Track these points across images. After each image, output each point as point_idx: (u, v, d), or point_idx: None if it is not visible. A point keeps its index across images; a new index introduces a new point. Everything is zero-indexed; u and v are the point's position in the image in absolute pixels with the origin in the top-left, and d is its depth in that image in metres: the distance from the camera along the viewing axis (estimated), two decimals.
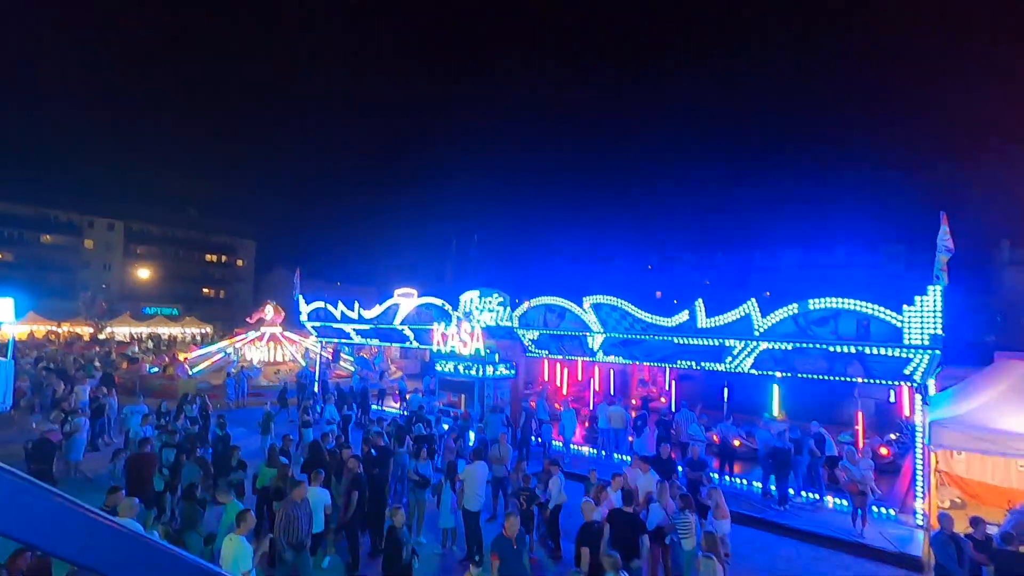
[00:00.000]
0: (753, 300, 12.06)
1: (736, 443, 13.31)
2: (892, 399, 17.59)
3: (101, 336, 40.45)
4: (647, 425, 13.96)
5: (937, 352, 9.94)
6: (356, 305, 21.75)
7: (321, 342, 24.17)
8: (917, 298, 10.03)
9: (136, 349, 33.84)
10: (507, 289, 17.24)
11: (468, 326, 16.43)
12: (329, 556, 8.62)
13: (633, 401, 19.64)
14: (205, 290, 68.94)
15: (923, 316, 9.97)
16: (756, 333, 11.85)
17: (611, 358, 14.96)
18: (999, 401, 9.40)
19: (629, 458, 13.99)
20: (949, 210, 10.48)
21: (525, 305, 16.20)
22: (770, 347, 11.76)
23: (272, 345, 27.37)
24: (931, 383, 10.78)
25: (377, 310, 20.83)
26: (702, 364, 13.22)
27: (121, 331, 43.12)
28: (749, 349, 12.10)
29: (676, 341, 13.15)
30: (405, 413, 15.71)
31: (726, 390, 17.79)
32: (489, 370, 15.83)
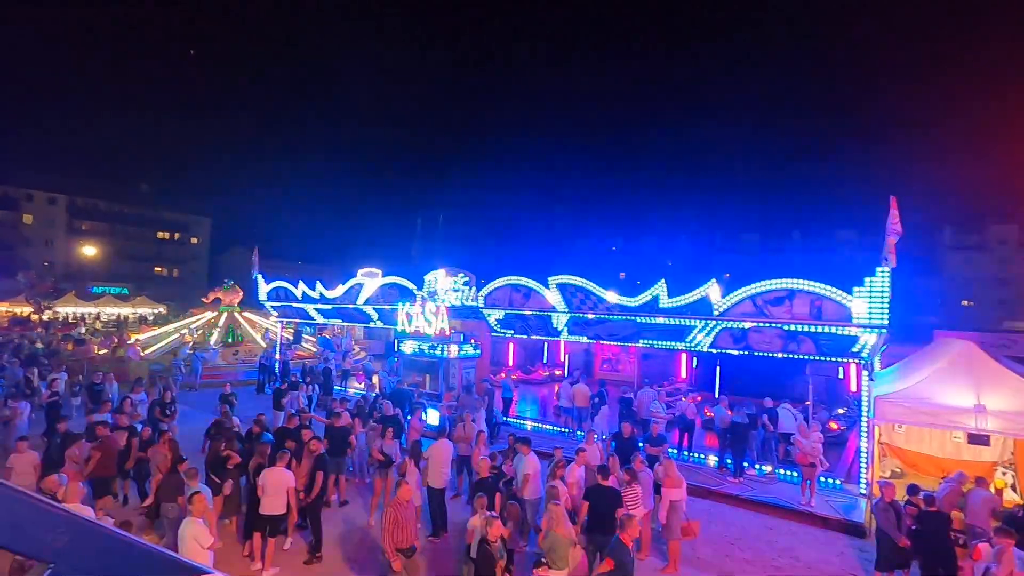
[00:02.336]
0: (713, 281, 12.35)
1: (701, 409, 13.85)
2: (841, 375, 18.46)
3: (44, 317, 38.43)
4: (606, 403, 14.26)
5: (883, 331, 10.44)
6: (318, 285, 21.28)
7: (282, 322, 23.60)
8: (867, 280, 10.46)
9: (83, 330, 32.32)
10: (472, 269, 17.15)
11: (433, 306, 16.30)
12: (291, 539, 8.54)
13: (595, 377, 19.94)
14: (157, 269, 66.19)
15: (871, 297, 10.42)
16: (715, 312, 12.16)
17: (575, 337, 15.14)
18: (938, 377, 9.94)
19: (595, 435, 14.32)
20: (899, 196, 10.91)
21: (490, 285, 16.17)
22: (728, 326, 12.10)
23: (230, 325, 26.54)
24: (877, 360, 11.32)
25: (340, 290, 20.43)
26: (663, 343, 13.54)
27: (66, 311, 41.06)
28: (708, 328, 12.42)
29: (639, 320, 13.38)
30: (374, 394, 15.55)
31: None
32: (454, 350, 15.79)
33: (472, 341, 16.42)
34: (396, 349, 19.06)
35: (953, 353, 10.63)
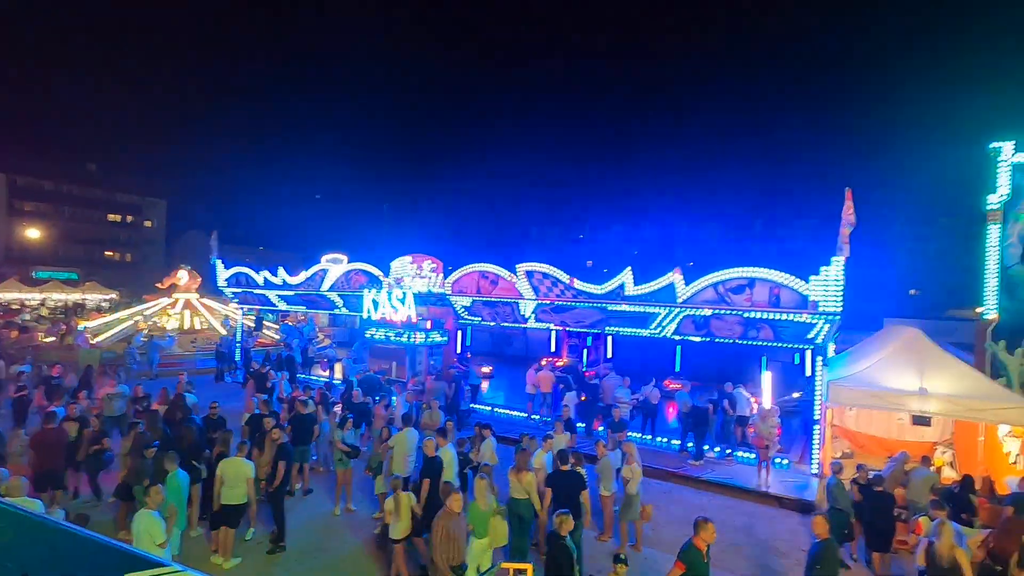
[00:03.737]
0: (677, 269, 12.60)
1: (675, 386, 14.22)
2: (797, 361, 19.15)
3: None
4: (570, 389, 14.48)
5: (837, 318, 10.87)
6: (281, 271, 20.76)
7: (242, 309, 22.96)
8: (822, 269, 10.85)
9: (27, 317, 30.73)
10: (440, 256, 17.03)
11: (400, 292, 16.13)
12: (254, 529, 8.40)
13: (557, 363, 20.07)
14: (109, 253, 63.24)
15: (827, 285, 10.82)
16: (679, 300, 12.42)
17: (542, 324, 15.25)
18: (886, 362, 10.43)
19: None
20: (853, 188, 11.32)
21: (458, 272, 16.09)
22: (691, 313, 12.39)
23: (187, 312, 25.68)
24: (830, 346, 11.80)
25: (303, 276, 19.98)
26: (629, 330, 13.78)
27: (8, 298, 38.92)
28: (672, 315, 12.69)
29: (606, 308, 13.55)
30: (337, 382, 15.35)
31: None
32: (421, 337, 15.69)
33: (442, 329, 16.37)
34: (363, 336, 18.80)
35: (900, 340, 11.15)
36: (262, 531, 8.40)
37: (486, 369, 20.63)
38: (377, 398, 12.78)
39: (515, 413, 15.59)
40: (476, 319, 16.46)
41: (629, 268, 13.27)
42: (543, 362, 17.35)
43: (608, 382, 14.73)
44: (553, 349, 22.20)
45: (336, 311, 19.93)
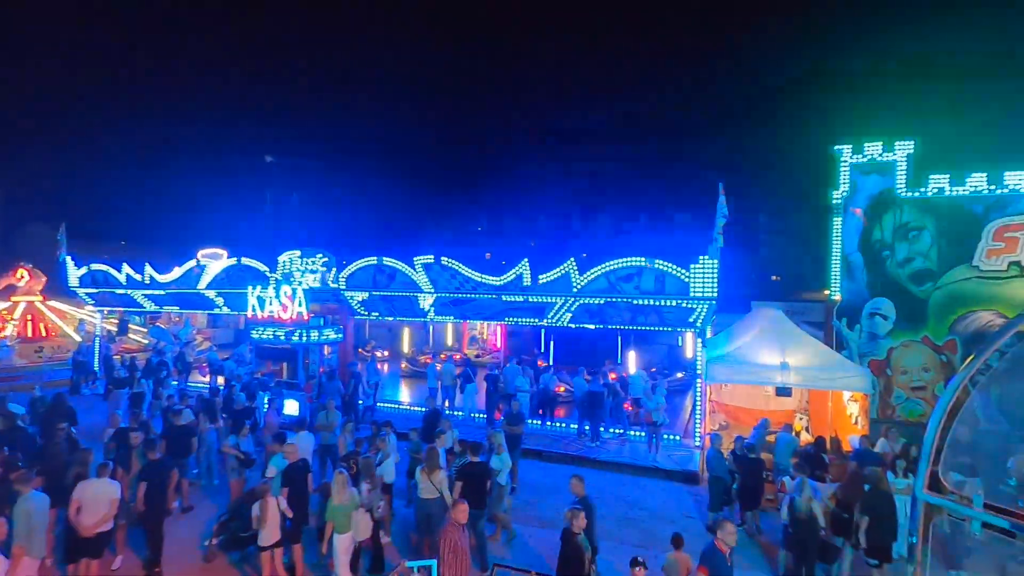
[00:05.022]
0: (572, 260, 13.07)
1: (560, 389, 14.65)
2: (680, 343, 20.71)
3: None
4: (471, 381, 14.56)
5: (714, 303, 11.89)
6: (147, 268, 18.66)
7: (101, 311, 20.34)
8: (700, 258, 11.80)
9: None
10: (332, 249, 16.24)
11: (289, 289, 15.17)
12: (121, 557, 7.51)
13: (456, 356, 20.06)
14: None
15: (704, 272, 11.80)
16: (574, 290, 12.90)
17: (442, 317, 15.12)
18: (754, 341, 11.60)
19: (461, 414, 14.52)
20: (727, 183, 12.42)
21: (352, 266, 15.45)
22: (585, 302, 12.92)
23: (30, 318, 22.27)
24: (709, 329, 12.89)
25: (176, 273, 18.13)
26: (527, 320, 14.10)
27: None
28: (568, 304, 13.16)
29: (504, 299, 13.73)
30: (222, 386, 14.12)
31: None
32: (314, 335, 14.90)
33: (336, 326, 15.63)
34: (248, 336, 17.46)
35: (764, 320, 12.44)
36: (131, 559, 7.54)
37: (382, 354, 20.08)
38: (266, 402, 11.96)
39: (419, 408, 15.33)
40: (373, 314, 15.93)
41: (526, 260, 13.53)
42: (443, 356, 17.23)
43: (508, 372, 14.96)
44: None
45: (216, 311, 18.33)
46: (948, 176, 12.30)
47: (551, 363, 18.31)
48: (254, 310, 15.51)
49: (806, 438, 10.98)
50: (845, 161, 13.06)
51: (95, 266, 19.64)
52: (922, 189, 12.50)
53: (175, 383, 16.95)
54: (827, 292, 13.52)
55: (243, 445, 9.04)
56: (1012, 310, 11.69)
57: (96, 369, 18.71)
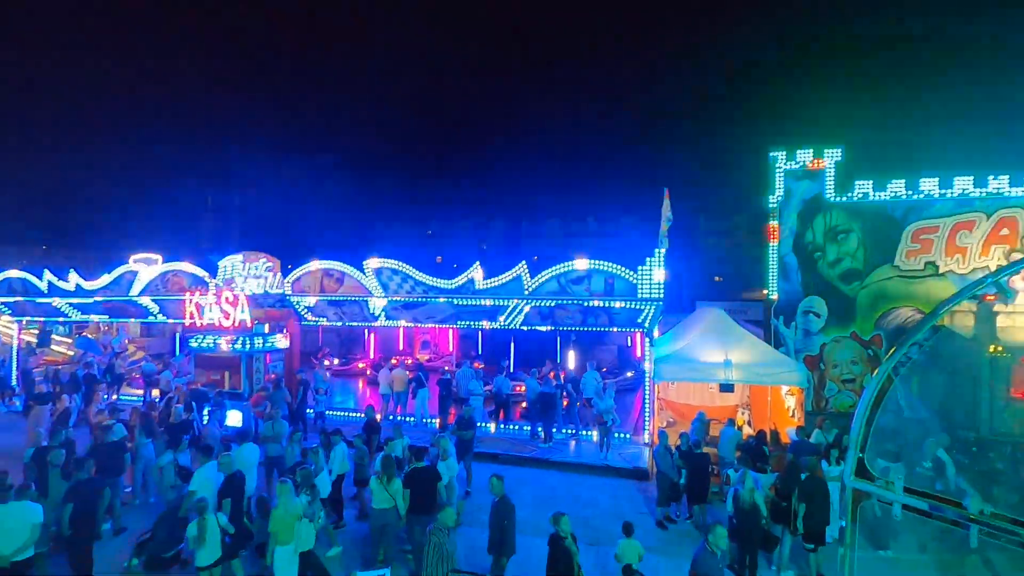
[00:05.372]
0: (523, 263, 13.17)
1: (519, 388, 14.80)
2: (629, 343, 21.22)
3: None
4: (423, 386, 14.40)
5: (660, 303, 12.25)
6: (72, 274, 17.47)
7: (19, 322, 18.87)
8: (647, 259, 12.14)
9: None
10: (278, 253, 15.70)
11: (230, 295, 14.55)
12: None
13: (408, 361, 19.82)
14: None
15: (651, 274, 12.14)
16: (526, 292, 13.00)
17: (393, 322, 14.89)
18: (699, 339, 12.03)
19: (412, 420, 14.33)
20: (671, 187, 12.85)
21: (299, 271, 14.99)
22: (537, 304, 13.04)
23: None
24: (656, 329, 13.26)
25: (105, 279, 17.05)
26: (479, 323, 14.09)
27: None
28: (520, 307, 13.23)
29: (456, 302, 13.67)
30: (155, 399, 13.37)
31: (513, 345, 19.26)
32: (258, 342, 14.35)
33: (282, 332, 15.10)
34: (187, 346, 16.61)
35: (708, 319, 12.93)
36: None
37: (331, 367, 19.56)
38: (205, 414, 11.43)
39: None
40: (321, 319, 15.51)
41: (478, 263, 13.54)
42: (395, 361, 16.98)
43: (461, 375, 14.89)
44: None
45: (151, 319, 17.35)
46: (871, 182, 13.17)
47: (511, 365, 18.36)
48: (192, 318, 14.80)
49: (748, 431, 11.47)
50: (780, 167, 13.75)
51: (11, 273, 18.23)
52: (849, 194, 13.32)
53: (105, 397, 15.94)
54: (765, 292, 14.18)
55: (182, 460, 8.60)
56: (928, 306, 12.63)
57: (14, 384, 17.35)
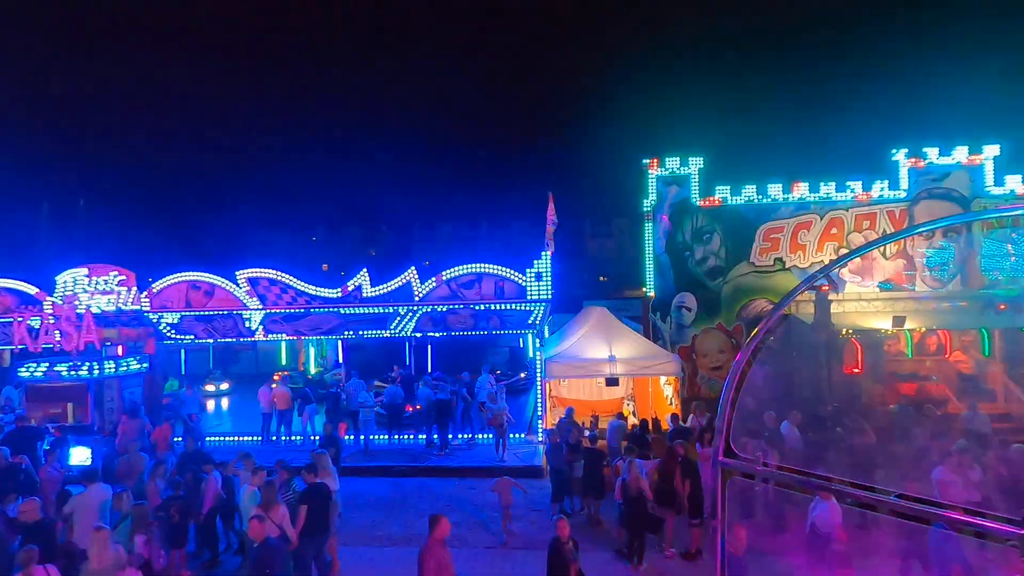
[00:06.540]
0: (413, 268, 12.91)
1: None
2: (522, 344, 21.64)
3: None
4: (311, 402, 13.59)
5: (548, 304, 12.63)
6: None
7: None
8: (535, 262, 12.46)
9: None
10: (133, 266, 13.98)
11: (73, 314, 12.68)
12: None
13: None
14: None
15: (539, 276, 12.47)
16: (416, 298, 12.75)
17: (274, 336, 13.87)
18: (585, 337, 12.55)
19: (299, 439, 13.44)
20: (555, 193, 13.31)
21: (160, 283, 13.45)
22: (428, 310, 12.85)
23: None
24: (546, 329, 13.66)
25: None
26: (369, 332, 13.57)
27: None
28: (411, 314, 12.95)
29: (343, 312, 13.06)
30: None
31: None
32: (110, 367, 12.65)
33: (140, 354, 13.44)
34: (15, 376, 14.16)
35: (593, 318, 13.55)
36: None
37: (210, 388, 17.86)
38: (42, 454, 9.83)
39: (248, 438, 13.79)
40: (188, 337, 14.00)
41: (365, 270, 13.06)
42: (276, 377, 15.83)
43: (351, 387, 14.22)
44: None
45: None
46: (729, 188, 14.62)
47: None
48: (23, 342, 12.70)
49: (633, 422, 12.17)
50: (652, 173, 14.80)
51: None
52: (711, 198, 14.68)
53: None
54: (644, 289, 15.17)
55: (11, 512, 7.27)
56: (778, 297, 14.28)
57: None
